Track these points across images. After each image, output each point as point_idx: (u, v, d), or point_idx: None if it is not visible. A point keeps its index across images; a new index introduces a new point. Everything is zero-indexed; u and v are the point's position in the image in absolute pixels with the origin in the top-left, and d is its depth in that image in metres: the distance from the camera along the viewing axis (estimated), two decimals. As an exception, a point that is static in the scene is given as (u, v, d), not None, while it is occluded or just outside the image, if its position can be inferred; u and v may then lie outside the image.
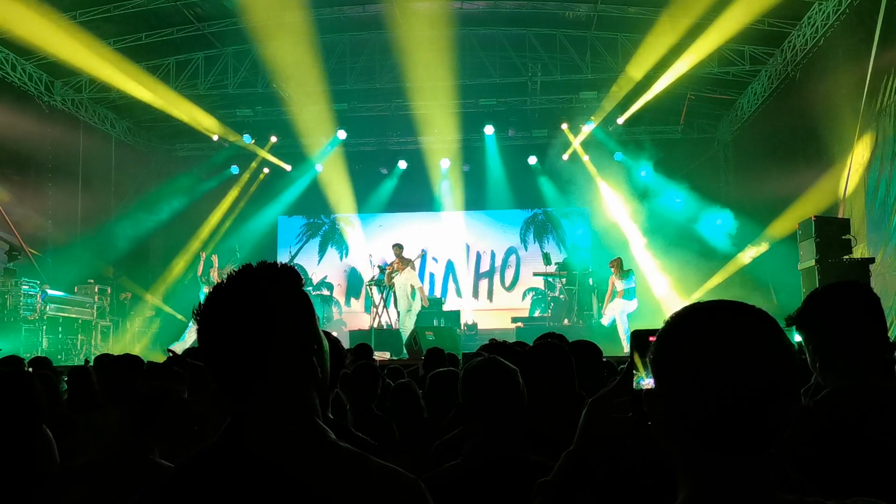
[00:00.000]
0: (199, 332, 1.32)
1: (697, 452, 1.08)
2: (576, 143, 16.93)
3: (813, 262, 9.48)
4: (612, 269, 13.15)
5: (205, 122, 16.12)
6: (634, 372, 1.31)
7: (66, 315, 13.14)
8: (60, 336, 13.02)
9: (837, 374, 1.97)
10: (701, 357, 1.08)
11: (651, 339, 1.19)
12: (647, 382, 1.26)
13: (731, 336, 1.09)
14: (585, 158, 17.10)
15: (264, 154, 17.80)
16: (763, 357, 1.07)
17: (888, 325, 4.73)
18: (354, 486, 1.22)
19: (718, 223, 15.43)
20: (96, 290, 14.14)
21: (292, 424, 1.28)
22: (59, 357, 12.40)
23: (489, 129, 16.64)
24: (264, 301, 1.30)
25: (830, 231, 9.62)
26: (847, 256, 9.46)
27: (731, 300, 1.15)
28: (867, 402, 1.89)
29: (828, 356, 1.99)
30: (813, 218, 9.75)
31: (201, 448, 1.31)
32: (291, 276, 1.36)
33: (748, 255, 14.46)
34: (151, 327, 15.80)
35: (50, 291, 12.87)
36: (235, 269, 1.36)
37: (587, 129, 16.62)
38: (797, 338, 2.14)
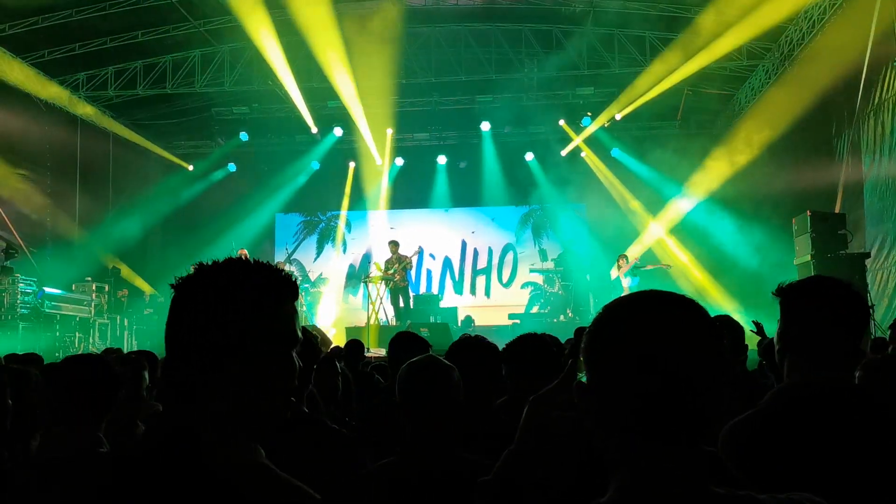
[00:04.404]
0: (168, 326, 1.30)
1: (627, 444, 1.08)
2: (577, 140, 16.91)
3: (809, 257, 9.48)
4: (620, 265, 13.49)
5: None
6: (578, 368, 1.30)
7: (63, 313, 13.13)
8: (58, 334, 13.01)
9: (804, 367, 1.95)
10: (627, 346, 1.08)
11: None
12: None
13: (656, 325, 1.09)
14: (582, 154, 17.11)
15: (265, 150, 17.80)
16: (688, 346, 1.07)
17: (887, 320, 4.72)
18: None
19: None
20: (94, 287, 14.12)
21: (216, 437, 1.25)
22: (57, 355, 12.41)
23: (485, 126, 16.61)
24: (241, 311, 1.28)
25: (826, 226, 9.62)
26: (843, 251, 9.45)
27: (662, 290, 1.15)
28: (830, 399, 1.87)
29: (796, 344, 1.97)
30: (809, 213, 9.74)
31: (139, 445, 1.30)
32: (265, 279, 1.33)
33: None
34: (150, 324, 15.79)
35: (47, 289, 12.86)
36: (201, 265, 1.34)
37: (584, 125, 16.60)
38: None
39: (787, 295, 2.02)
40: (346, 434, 2.66)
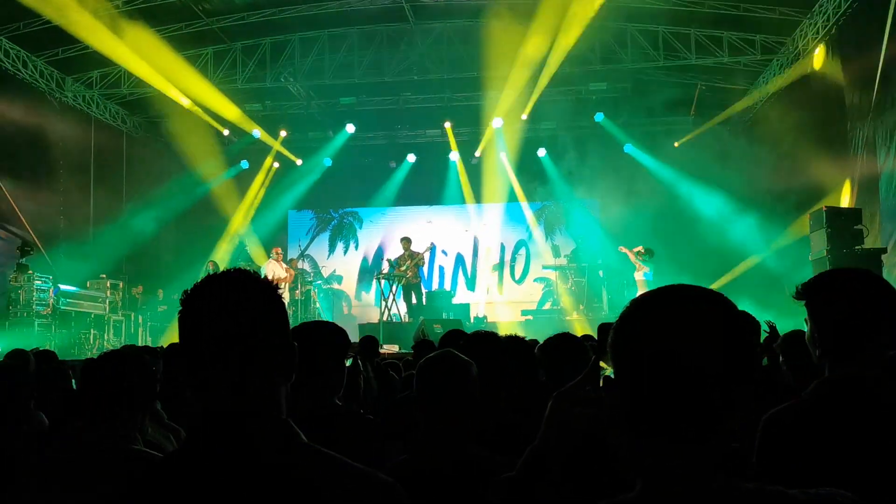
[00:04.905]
0: (183, 325, 1.32)
1: (649, 440, 1.08)
2: (588, 135, 16.86)
3: (824, 253, 9.42)
4: (637, 257, 13.40)
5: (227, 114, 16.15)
6: (604, 364, 1.31)
7: (78, 310, 13.24)
8: (73, 331, 13.12)
9: (835, 361, 1.92)
10: (641, 343, 1.09)
11: None
12: None
13: (672, 322, 1.08)
14: (594, 150, 17.03)
15: (277, 147, 17.82)
16: (703, 343, 1.06)
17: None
18: (333, 488, 1.22)
19: None
20: (108, 285, 14.25)
21: (270, 424, 1.27)
22: (74, 351, 12.52)
23: (498, 122, 16.56)
24: (252, 300, 1.31)
25: (842, 221, 9.57)
26: (859, 247, 9.39)
27: (688, 285, 1.14)
28: (864, 395, 1.85)
29: (828, 341, 1.93)
30: (824, 208, 9.69)
31: (180, 445, 1.32)
32: (267, 282, 1.37)
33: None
34: (164, 321, 15.88)
35: (62, 286, 12.97)
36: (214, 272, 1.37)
37: (597, 120, 16.55)
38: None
39: (809, 295, 1.98)
40: (381, 424, 2.68)
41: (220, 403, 1.27)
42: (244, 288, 1.31)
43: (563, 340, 3.10)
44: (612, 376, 1.14)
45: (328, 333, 2.56)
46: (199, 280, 1.36)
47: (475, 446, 2.13)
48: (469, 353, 2.42)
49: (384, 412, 3.71)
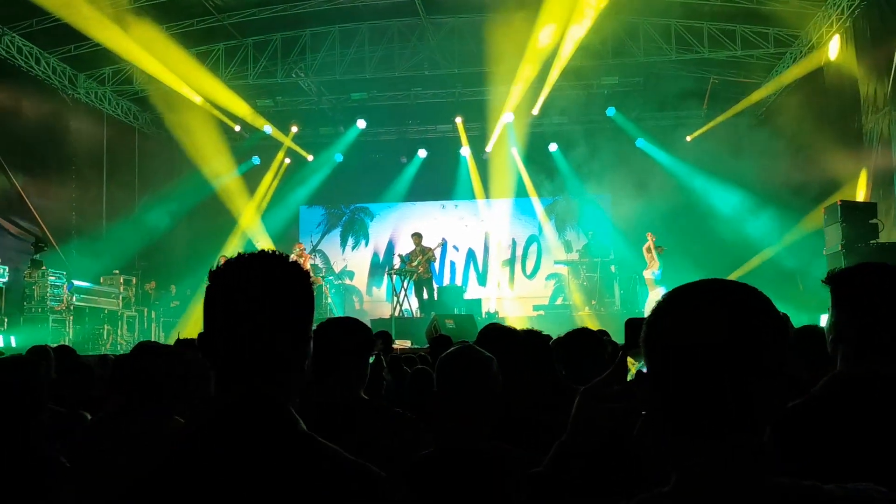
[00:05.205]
0: (208, 312, 1.30)
1: (678, 436, 1.07)
2: (600, 130, 16.79)
3: (839, 247, 9.34)
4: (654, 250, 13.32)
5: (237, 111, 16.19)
6: (631, 360, 1.30)
7: (92, 305, 13.32)
8: (87, 326, 13.20)
9: (851, 354, 1.89)
10: (669, 336, 1.08)
11: None
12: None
13: (695, 315, 1.08)
14: (606, 145, 16.96)
15: (288, 142, 17.83)
16: (715, 337, 1.05)
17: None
18: (323, 479, 1.21)
19: None
20: (121, 280, 14.31)
21: (273, 412, 1.26)
22: (88, 346, 12.59)
23: (508, 117, 16.51)
24: (278, 286, 1.29)
25: (857, 215, 9.49)
26: (874, 241, 9.30)
27: (718, 279, 1.13)
28: (880, 393, 1.82)
29: (847, 331, 1.90)
30: (839, 202, 9.61)
31: (184, 433, 1.31)
32: (297, 266, 1.35)
33: None
34: (177, 316, 15.95)
35: (76, 282, 13.05)
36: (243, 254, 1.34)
37: (609, 114, 16.48)
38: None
39: (837, 282, 1.95)
40: (411, 417, 2.67)
41: (234, 387, 1.26)
42: (271, 272, 1.29)
43: (582, 335, 3.10)
44: (644, 371, 1.13)
45: (351, 330, 2.57)
46: (223, 264, 1.33)
47: (497, 441, 2.12)
48: (486, 347, 2.41)
49: (418, 405, 3.70)
